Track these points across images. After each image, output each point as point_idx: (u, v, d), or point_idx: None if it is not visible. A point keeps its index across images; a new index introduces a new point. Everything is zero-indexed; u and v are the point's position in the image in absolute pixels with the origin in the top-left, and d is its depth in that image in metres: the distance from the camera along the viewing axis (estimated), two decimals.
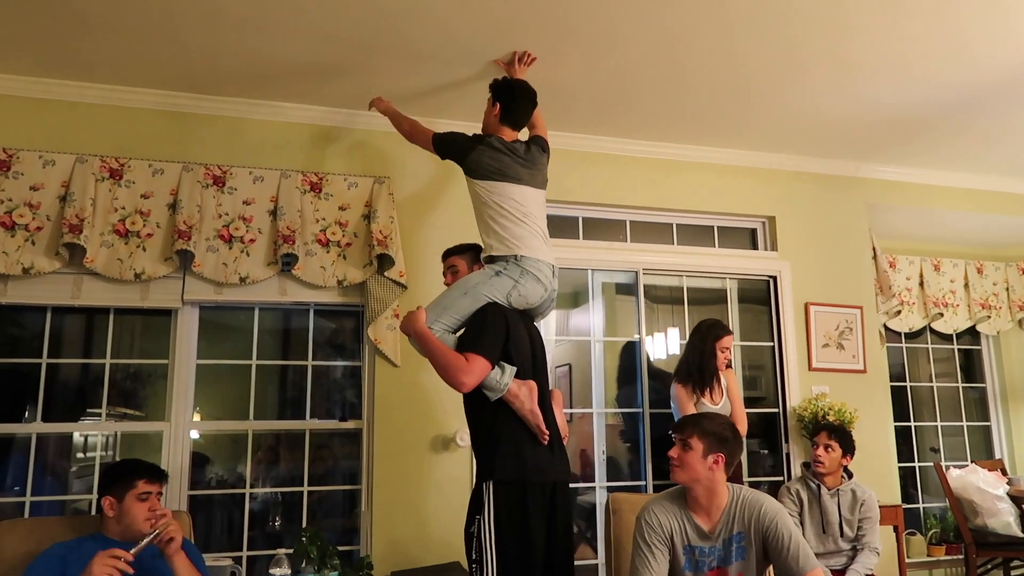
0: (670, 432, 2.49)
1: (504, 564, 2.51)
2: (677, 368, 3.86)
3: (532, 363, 2.78)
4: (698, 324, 3.86)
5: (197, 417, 3.62)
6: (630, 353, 4.38)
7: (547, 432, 2.66)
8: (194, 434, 3.60)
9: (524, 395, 2.64)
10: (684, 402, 3.71)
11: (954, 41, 3.28)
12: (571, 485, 4.44)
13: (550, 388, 2.93)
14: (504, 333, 2.68)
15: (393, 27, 3.10)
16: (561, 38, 3.21)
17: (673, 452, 2.46)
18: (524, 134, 3.19)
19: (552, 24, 3.10)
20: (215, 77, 3.49)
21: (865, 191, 4.78)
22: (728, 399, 3.78)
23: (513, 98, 3.04)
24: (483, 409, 2.68)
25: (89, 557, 2.23)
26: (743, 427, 3.76)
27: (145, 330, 3.72)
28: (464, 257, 3.00)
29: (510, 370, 2.65)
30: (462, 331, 2.77)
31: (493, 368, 2.63)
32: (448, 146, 3.04)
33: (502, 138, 2.96)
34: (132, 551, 2.16)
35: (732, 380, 3.85)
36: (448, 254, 3.08)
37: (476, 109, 3.24)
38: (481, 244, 2.95)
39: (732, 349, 3.84)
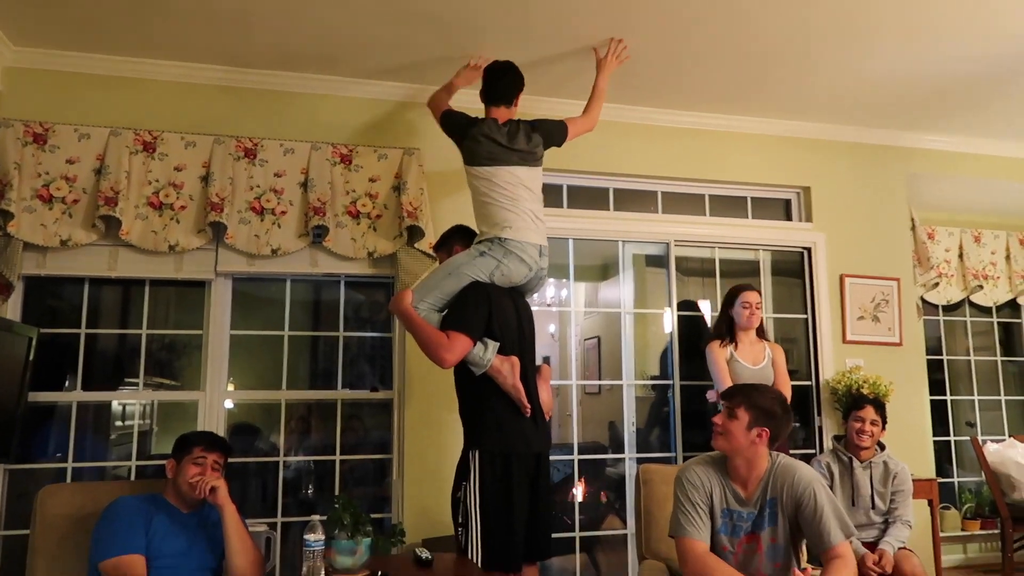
0: (708, 397, 2.50)
1: (487, 527, 2.68)
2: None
3: (518, 339, 2.91)
4: None
5: (231, 387, 3.68)
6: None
7: (529, 405, 2.80)
8: (228, 403, 3.66)
9: (507, 370, 2.78)
10: (716, 355, 3.76)
11: (998, 6, 3.16)
12: (600, 456, 4.49)
13: (538, 364, 3.08)
14: (486, 311, 2.81)
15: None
16: (592, 11, 3.15)
17: (718, 419, 2.45)
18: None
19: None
20: (245, 50, 3.50)
21: (905, 160, 4.66)
22: (772, 367, 3.78)
23: (487, 79, 3.16)
24: (470, 383, 2.83)
25: (165, 519, 2.44)
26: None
27: (180, 301, 3.78)
28: (456, 244, 3.12)
29: (493, 346, 2.79)
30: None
31: (475, 345, 2.77)
32: (450, 125, 3.19)
33: (496, 120, 3.08)
34: None
35: (779, 354, 3.86)
36: (437, 249, 3.26)
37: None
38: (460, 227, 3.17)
39: (762, 308, 3.85)
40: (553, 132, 3.21)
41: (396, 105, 3.88)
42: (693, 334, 4.31)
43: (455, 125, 3.15)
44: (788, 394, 3.71)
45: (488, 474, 2.73)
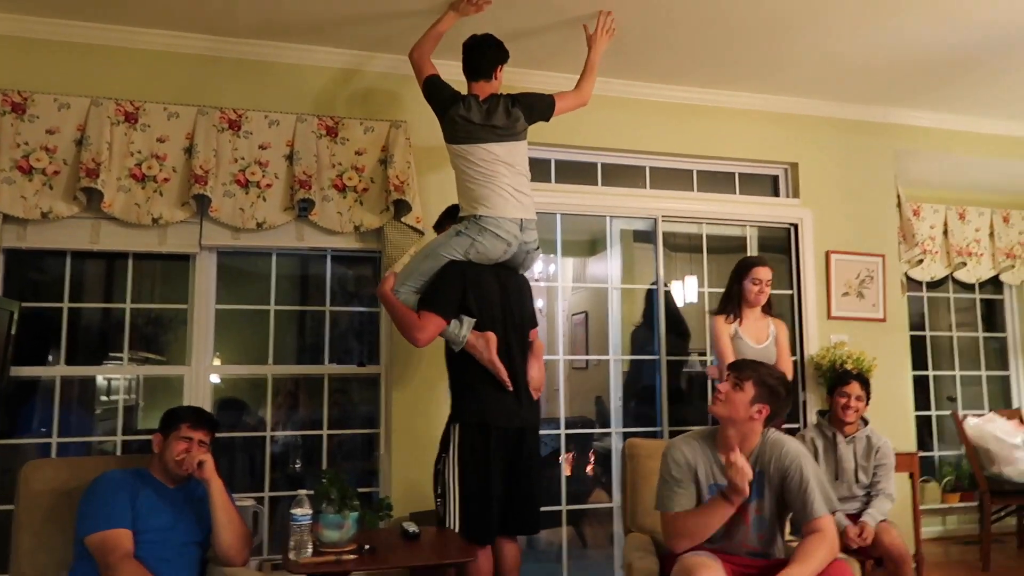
0: (708, 373, 2.54)
1: (465, 499, 2.74)
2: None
3: (503, 315, 2.92)
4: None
5: (217, 361, 3.66)
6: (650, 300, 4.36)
7: (508, 381, 2.82)
8: (214, 378, 3.64)
9: (481, 346, 2.81)
10: (719, 330, 3.61)
11: None
12: (587, 431, 4.52)
13: (531, 340, 3.06)
14: (460, 290, 2.85)
15: None
16: None
17: (723, 387, 2.49)
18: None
19: None
20: (229, 18, 3.43)
21: (892, 137, 4.66)
22: (775, 346, 3.64)
23: (465, 53, 3.12)
24: (455, 358, 2.91)
25: (150, 494, 2.43)
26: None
27: (164, 275, 3.75)
28: (449, 224, 3.13)
29: (468, 323, 2.83)
30: None
31: (448, 323, 2.83)
32: (432, 96, 3.12)
33: (476, 96, 3.04)
34: None
35: (783, 331, 3.72)
36: (436, 229, 3.33)
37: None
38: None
39: (771, 284, 3.66)
40: (537, 106, 3.15)
41: (383, 77, 3.83)
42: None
43: (437, 99, 3.09)
44: (789, 373, 3.61)
45: (467, 447, 2.78)
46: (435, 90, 3.11)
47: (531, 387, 2.97)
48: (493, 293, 2.92)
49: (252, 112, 3.57)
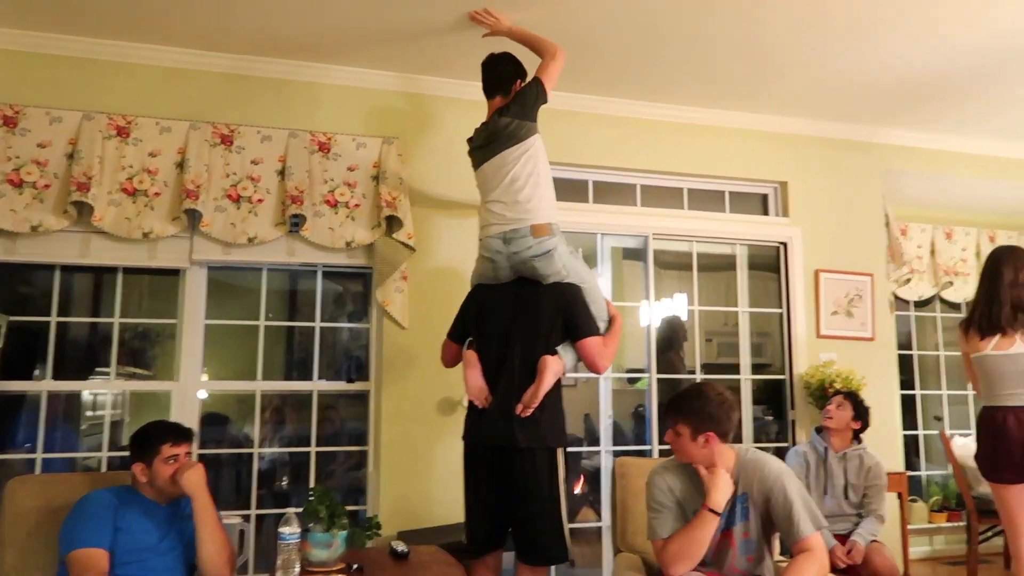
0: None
1: (467, 514, 2.86)
2: None
3: (500, 331, 2.82)
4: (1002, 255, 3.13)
5: (205, 377, 3.64)
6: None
7: (476, 398, 2.81)
8: (202, 394, 3.62)
9: (462, 364, 2.88)
10: None
11: (976, 3, 3.20)
12: (576, 448, 4.50)
13: (543, 355, 2.77)
14: (461, 312, 2.98)
15: None
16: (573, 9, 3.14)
17: (668, 437, 2.47)
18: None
19: None
20: (223, 34, 3.44)
21: (881, 157, 4.71)
22: None
23: (482, 70, 3.14)
24: None
25: (137, 513, 2.38)
26: None
27: (153, 290, 3.73)
28: None
29: (466, 343, 2.94)
30: None
31: (460, 345, 2.95)
32: None
33: (484, 122, 3.06)
34: None
35: None
36: None
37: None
38: None
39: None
40: (527, 94, 2.98)
41: (375, 93, 3.84)
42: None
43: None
44: None
45: (464, 464, 2.88)
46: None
47: (522, 403, 2.73)
48: (496, 309, 2.88)
49: (244, 127, 3.57)
